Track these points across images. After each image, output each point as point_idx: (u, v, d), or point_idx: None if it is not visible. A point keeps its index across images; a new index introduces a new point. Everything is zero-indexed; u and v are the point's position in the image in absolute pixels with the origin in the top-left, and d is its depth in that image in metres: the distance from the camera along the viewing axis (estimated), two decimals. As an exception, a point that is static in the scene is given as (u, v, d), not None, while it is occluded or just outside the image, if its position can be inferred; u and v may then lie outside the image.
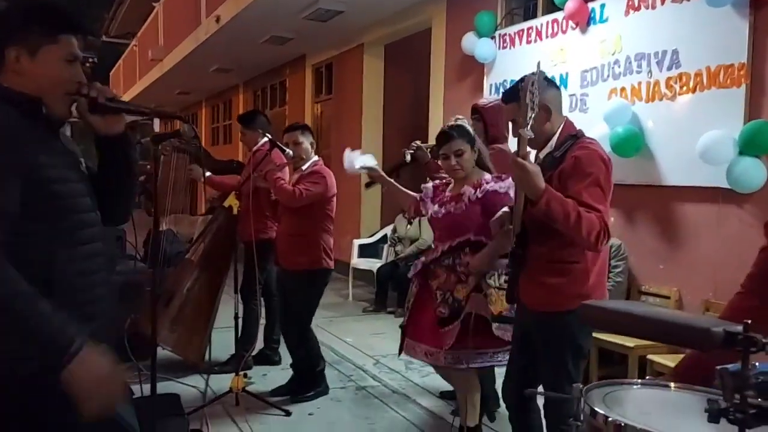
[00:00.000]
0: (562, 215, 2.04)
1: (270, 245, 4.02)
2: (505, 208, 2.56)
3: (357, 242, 7.13)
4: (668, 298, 3.91)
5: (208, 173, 4.39)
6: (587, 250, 2.18)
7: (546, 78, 2.34)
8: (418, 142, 3.79)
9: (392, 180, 3.25)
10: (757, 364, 1.02)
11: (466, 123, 2.99)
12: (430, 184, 3.13)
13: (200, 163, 4.43)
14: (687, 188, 3.83)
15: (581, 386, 1.29)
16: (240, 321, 3.81)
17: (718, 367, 0.98)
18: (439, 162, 2.99)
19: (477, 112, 3.61)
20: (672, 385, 1.34)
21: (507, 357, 2.74)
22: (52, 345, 1.23)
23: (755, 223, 3.48)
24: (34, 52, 1.42)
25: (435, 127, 6.30)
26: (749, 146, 3.40)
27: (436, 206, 2.93)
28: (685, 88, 3.81)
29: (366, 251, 7.04)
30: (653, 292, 4.02)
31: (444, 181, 3.08)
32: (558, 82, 4.43)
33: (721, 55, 3.62)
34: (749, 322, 0.95)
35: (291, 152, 3.62)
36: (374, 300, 6.44)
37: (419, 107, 6.74)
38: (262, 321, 4.43)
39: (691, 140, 3.66)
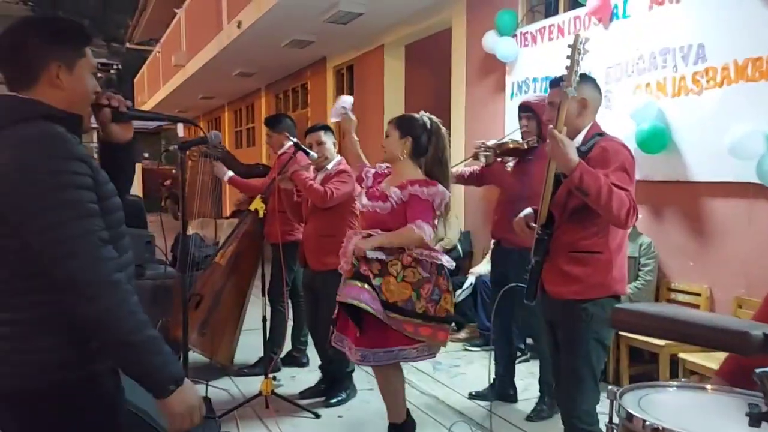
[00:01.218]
0: (595, 188, 2.13)
1: (296, 247, 4.05)
2: (529, 208, 2.58)
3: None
4: (699, 295, 3.86)
5: (230, 173, 4.45)
6: (617, 226, 2.26)
7: (592, 79, 2.49)
8: (484, 142, 3.79)
9: (357, 140, 3.31)
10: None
11: (427, 119, 2.97)
12: (372, 170, 3.15)
13: (227, 167, 4.50)
14: (716, 184, 3.77)
15: (616, 389, 1.28)
16: (268, 323, 3.84)
17: (758, 371, 0.97)
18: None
19: (529, 110, 3.60)
20: (708, 387, 1.33)
21: (418, 353, 2.85)
22: (160, 378, 1.39)
23: (787, 218, 3.42)
24: (71, 66, 1.44)
25: (457, 127, 6.30)
26: (780, 140, 3.34)
27: (365, 199, 2.99)
28: (711, 83, 3.75)
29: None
30: (683, 290, 3.97)
31: (386, 170, 3.09)
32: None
33: (749, 47, 3.55)
34: (789, 325, 0.94)
35: (315, 154, 3.65)
36: (399, 300, 6.44)
37: (441, 107, 6.71)
38: (290, 323, 4.47)
39: (719, 135, 3.61)
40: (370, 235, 2.87)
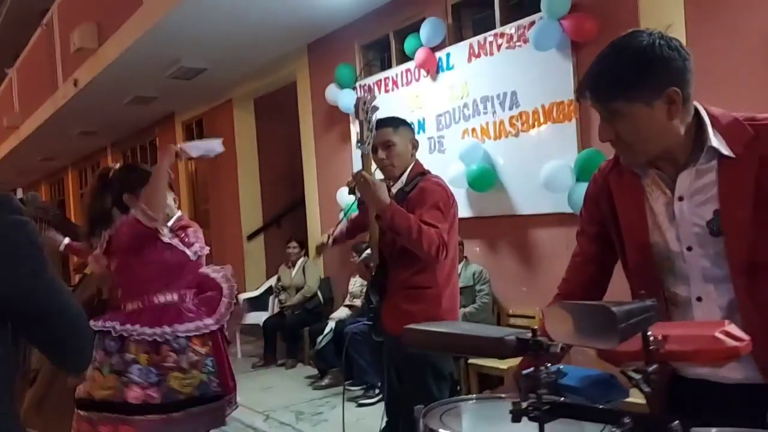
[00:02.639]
0: (405, 227, 2.28)
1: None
2: (368, 250, 2.71)
3: (242, 296, 7.00)
4: (533, 318, 4.20)
5: (66, 240, 4.19)
6: (428, 261, 2.39)
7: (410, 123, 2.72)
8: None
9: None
10: (561, 366, 1.18)
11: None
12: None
13: (62, 231, 4.23)
14: (537, 216, 4.17)
15: (422, 407, 1.39)
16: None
17: (523, 372, 1.11)
18: None
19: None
20: (504, 395, 1.47)
21: None
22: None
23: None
24: None
25: (309, 175, 6.44)
26: (584, 172, 3.77)
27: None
28: (525, 125, 4.19)
29: (254, 305, 6.93)
30: (519, 314, 4.30)
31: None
32: (416, 127, 4.74)
33: (553, 93, 4.02)
34: (536, 329, 1.09)
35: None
36: (263, 354, 6.34)
37: (293, 156, 6.86)
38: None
39: (536, 171, 4.01)
40: None
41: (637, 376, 0.98)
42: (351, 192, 3.62)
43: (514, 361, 3.89)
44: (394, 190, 2.57)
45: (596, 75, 1.32)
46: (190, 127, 8.83)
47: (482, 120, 4.48)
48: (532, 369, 1.09)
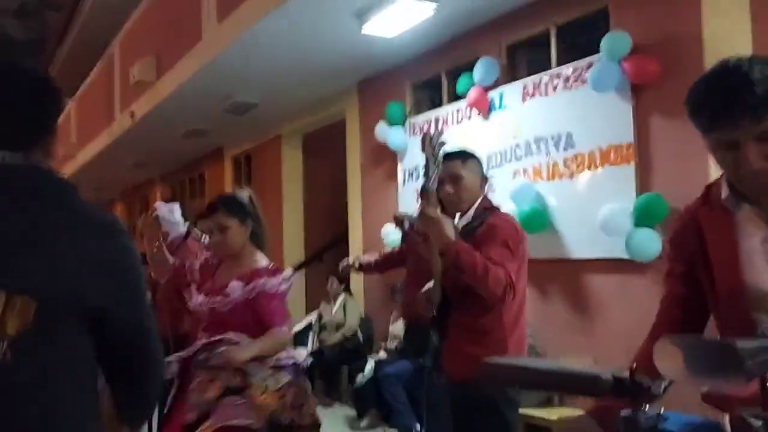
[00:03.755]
0: (471, 266, 2.16)
1: (188, 340, 3.85)
2: (432, 282, 2.58)
3: (281, 332, 6.94)
4: (585, 367, 4.01)
5: None
6: (494, 302, 2.26)
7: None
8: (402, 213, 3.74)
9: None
10: (662, 409, 1.08)
11: (247, 194, 2.73)
12: (197, 263, 2.76)
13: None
14: (592, 260, 4.03)
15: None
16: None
17: (621, 413, 1.02)
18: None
19: None
20: (580, 441, 1.37)
21: None
22: None
23: (657, 291, 3.67)
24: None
25: (354, 213, 6.43)
26: (643, 218, 3.65)
27: (201, 296, 2.58)
28: (581, 167, 4.09)
29: (294, 340, 6.85)
30: (571, 363, 4.12)
31: (211, 259, 2.75)
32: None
33: (611, 135, 3.93)
34: (635, 367, 1.00)
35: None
36: (300, 391, 6.22)
37: (339, 193, 6.87)
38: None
39: (591, 214, 3.90)
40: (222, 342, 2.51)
41: (758, 423, 0.88)
42: (398, 225, 3.55)
43: (562, 411, 3.72)
44: (460, 225, 2.46)
45: (747, 95, 1.20)
46: (238, 162, 8.98)
47: (535, 160, 4.41)
48: (630, 411, 0.99)
